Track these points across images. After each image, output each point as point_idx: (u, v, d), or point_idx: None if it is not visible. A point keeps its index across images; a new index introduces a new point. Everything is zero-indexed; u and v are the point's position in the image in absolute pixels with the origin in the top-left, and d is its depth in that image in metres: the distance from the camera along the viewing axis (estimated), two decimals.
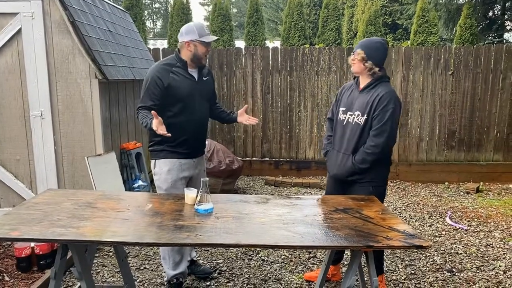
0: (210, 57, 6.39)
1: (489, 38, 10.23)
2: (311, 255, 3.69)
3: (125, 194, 3.27)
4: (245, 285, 3.17)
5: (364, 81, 2.82)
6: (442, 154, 6.30)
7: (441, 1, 10.47)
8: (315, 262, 3.57)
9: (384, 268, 3.26)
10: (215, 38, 2.87)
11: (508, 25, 10.88)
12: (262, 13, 9.59)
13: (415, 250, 3.72)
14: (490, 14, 10.81)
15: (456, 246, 3.92)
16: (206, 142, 3.39)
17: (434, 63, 6.12)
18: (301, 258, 3.63)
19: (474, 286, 3.20)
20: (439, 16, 10.29)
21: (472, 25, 8.26)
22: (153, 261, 3.54)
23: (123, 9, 6.13)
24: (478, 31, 8.84)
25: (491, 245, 3.95)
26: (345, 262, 3.46)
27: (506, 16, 10.53)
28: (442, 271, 3.43)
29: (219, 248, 3.67)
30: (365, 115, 2.73)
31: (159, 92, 2.76)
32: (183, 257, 2.96)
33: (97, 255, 3.60)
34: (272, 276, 3.32)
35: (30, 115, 3.95)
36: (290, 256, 3.68)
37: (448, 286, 3.19)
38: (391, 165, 2.99)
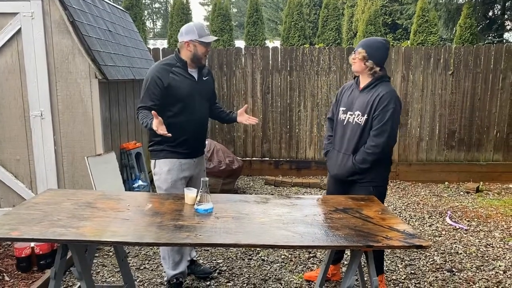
0: (210, 57, 6.39)
1: (489, 38, 10.23)
2: (311, 255, 3.69)
3: (125, 194, 3.28)
4: (245, 285, 3.17)
5: (364, 81, 2.82)
6: (442, 154, 6.30)
7: (441, 1, 10.47)
8: (315, 262, 3.57)
9: (384, 268, 3.26)
10: (214, 38, 2.86)
11: (508, 25, 10.88)
12: (262, 13, 9.59)
13: (415, 250, 3.72)
14: (490, 14, 10.81)
15: (456, 246, 3.92)
16: (206, 142, 3.39)
17: (434, 63, 6.12)
18: (301, 258, 3.63)
19: (474, 286, 3.20)
20: (439, 16, 10.29)
21: (472, 25, 8.26)
22: (153, 261, 3.54)
23: (123, 9, 6.13)
24: (478, 31, 8.84)
25: (491, 245, 3.95)
26: (345, 262, 3.46)
27: (506, 16, 10.53)
28: (442, 270, 3.44)
29: (219, 248, 3.67)
30: (366, 115, 2.73)
31: (159, 92, 2.76)
32: (183, 257, 2.96)
33: (97, 255, 3.60)
34: (272, 276, 3.32)
35: (30, 115, 3.95)
36: (290, 256, 3.68)
37: (448, 286, 3.19)
38: (392, 164, 2.99)
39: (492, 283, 3.24)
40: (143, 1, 26.49)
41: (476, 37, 8.34)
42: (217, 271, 3.38)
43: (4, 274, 3.21)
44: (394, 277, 3.31)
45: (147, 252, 3.71)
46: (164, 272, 3.11)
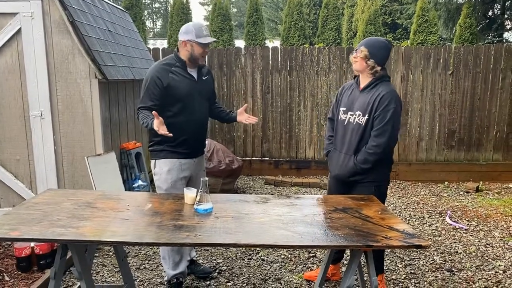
0: (209, 56, 6.39)
1: (489, 37, 10.23)
2: (311, 255, 3.69)
3: (125, 194, 3.28)
4: (245, 284, 3.18)
5: (364, 81, 2.82)
6: (442, 154, 6.30)
7: (440, 1, 10.48)
8: (314, 262, 3.57)
9: (384, 268, 3.26)
10: (212, 40, 2.83)
11: (508, 24, 10.89)
12: (262, 12, 9.60)
13: (414, 249, 3.72)
14: (490, 13, 10.81)
15: (455, 246, 3.92)
16: (206, 142, 3.39)
17: (433, 62, 6.12)
18: (300, 258, 3.64)
19: (473, 286, 3.20)
20: (439, 16, 10.29)
21: (471, 25, 8.27)
22: (153, 261, 3.54)
23: (122, 9, 6.13)
24: (477, 30, 8.84)
25: (490, 245, 3.95)
26: (345, 262, 3.46)
27: (505, 16, 10.53)
28: (441, 270, 3.44)
29: (218, 247, 3.67)
30: (366, 115, 2.72)
31: (159, 92, 2.76)
32: (182, 257, 2.97)
33: (97, 254, 3.60)
34: (272, 275, 3.32)
35: (30, 115, 3.95)
36: (290, 255, 3.68)
37: (448, 286, 3.20)
38: (392, 164, 2.99)
39: (491, 282, 3.24)
40: (143, 1, 26.48)
41: (476, 37, 8.34)
42: (217, 271, 3.38)
43: (4, 274, 3.21)
44: (394, 277, 3.31)
45: (147, 252, 3.71)
46: (164, 272, 3.11)
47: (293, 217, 2.26)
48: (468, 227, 4.38)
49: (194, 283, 3.18)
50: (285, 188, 5.90)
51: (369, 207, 2.45)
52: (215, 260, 3.58)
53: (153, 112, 2.58)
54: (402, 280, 3.26)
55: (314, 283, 2.95)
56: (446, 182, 6.09)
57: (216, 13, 9.00)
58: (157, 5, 37.99)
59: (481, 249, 3.86)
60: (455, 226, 4.41)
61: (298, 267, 3.47)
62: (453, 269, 3.46)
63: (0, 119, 3.98)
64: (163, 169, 2.88)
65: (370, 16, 9.50)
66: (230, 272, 3.37)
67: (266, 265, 3.49)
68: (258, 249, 3.72)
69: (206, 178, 2.34)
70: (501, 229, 4.34)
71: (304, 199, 2.67)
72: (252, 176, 6.44)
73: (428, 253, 3.74)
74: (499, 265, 3.53)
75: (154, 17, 38.17)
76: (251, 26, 9.20)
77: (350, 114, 2.83)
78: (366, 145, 2.74)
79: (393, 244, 1.95)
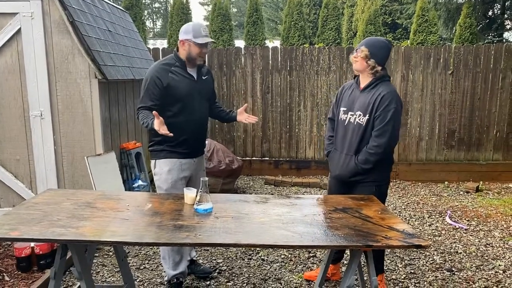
0: (209, 56, 6.39)
1: (489, 37, 10.23)
2: (311, 255, 3.69)
3: (125, 194, 3.28)
4: (245, 284, 3.18)
5: (365, 81, 2.81)
6: (442, 154, 6.30)
7: (440, 1, 10.48)
8: (314, 262, 3.57)
9: (384, 267, 3.26)
10: (208, 40, 2.80)
11: (508, 24, 10.89)
12: (261, 12, 9.60)
13: (414, 249, 3.72)
14: (490, 13, 10.82)
15: (455, 246, 3.92)
16: (206, 142, 3.39)
17: (433, 62, 6.12)
18: (300, 258, 3.64)
19: (473, 285, 3.20)
20: (439, 16, 10.30)
21: (471, 25, 8.27)
22: (153, 261, 3.54)
23: (122, 9, 6.13)
24: (477, 30, 8.84)
25: (490, 245, 3.95)
26: (345, 262, 3.46)
27: (505, 16, 10.53)
28: (441, 270, 3.44)
29: (218, 247, 3.67)
30: (367, 115, 2.72)
31: (159, 92, 2.76)
32: (183, 257, 2.97)
33: (97, 254, 3.60)
34: (272, 275, 3.32)
35: (30, 115, 3.95)
36: (290, 255, 3.68)
37: (448, 285, 3.20)
38: (393, 164, 2.99)
39: (491, 282, 3.24)
40: (143, 1, 26.48)
41: (476, 37, 8.34)
42: (217, 270, 3.38)
43: (4, 274, 3.21)
44: (394, 277, 3.31)
45: (147, 252, 3.71)
46: (164, 272, 3.11)
47: (293, 217, 2.26)
48: (468, 227, 4.38)
49: (194, 283, 3.18)
50: (285, 188, 5.90)
51: (369, 207, 2.45)
52: (215, 260, 3.58)
53: (154, 112, 2.58)
54: (402, 280, 3.26)
55: (314, 283, 2.96)
56: (446, 182, 6.09)
57: (216, 13, 9.00)
58: (157, 5, 37.99)
59: (481, 249, 3.86)
60: (455, 226, 4.41)
61: (298, 267, 3.47)
62: (453, 269, 3.46)
63: (0, 119, 3.98)
64: (163, 169, 2.88)
65: (370, 16, 9.50)
66: (230, 272, 3.37)
67: (266, 265, 3.49)
68: (258, 249, 3.72)
69: (206, 178, 2.34)
70: (501, 229, 4.34)
71: (304, 199, 2.67)
72: (252, 176, 6.44)
73: (428, 253, 3.74)
74: (499, 265, 3.53)
75: (154, 17, 38.17)
76: (251, 26, 9.21)
77: (351, 114, 2.83)
78: (367, 145, 2.74)
79: (393, 244, 1.95)
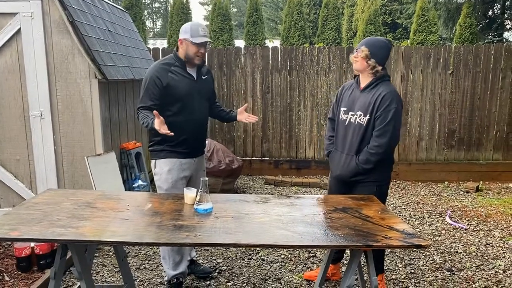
0: (209, 56, 6.39)
1: (489, 37, 10.23)
2: (311, 255, 3.69)
3: (125, 194, 3.28)
4: (245, 284, 3.18)
5: (365, 80, 2.81)
6: (442, 153, 6.30)
7: (440, 0, 10.48)
8: (314, 262, 3.57)
9: (384, 267, 3.26)
10: (205, 40, 2.78)
11: (508, 24, 10.88)
12: (261, 12, 9.60)
13: (414, 249, 3.72)
14: (490, 13, 10.81)
15: (455, 245, 3.92)
16: (206, 142, 3.39)
17: (433, 62, 6.12)
18: (300, 258, 3.64)
19: (473, 285, 3.20)
20: (439, 15, 10.29)
21: (471, 24, 8.26)
22: (153, 261, 3.54)
23: (122, 8, 6.13)
24: (477, 30, 8.84)
25: (490, 244, 3.95)
26: (345, 262, 3.46)
27: (505, 15, 10.53)
28: (441, 270, 3.44)
29: (218, 247, 3.67)
30: (368, 115, 2.72)
31: (158, 91, 2.76)
32: (183, 257, 2.97)
33: (97, 254, 3.60)
34: (272, 275, 3.32)
35: (30, 115, 3.95)
36: (290, 255, 3.68)
37: (448, 285, 3.20)
38: (393, 164, 2.98)
39: (491, 282, 3.24)
40: (143, 1, 26.49)
41: (476, 37, 8.34)
42: (217, 270, 3.38)
43: (4, 274, 3.21)
44: (394, 277, 3.31)
45: (147, 252, 3.71)
46: (164, 272, 3.11)
47: (293, 217, 2.26)
48: (468, 227, 4.38)
49: (194, 283, 3.18)
50: (285, 188, 5.90)
51: (369, 207, 2.45)
52: (215, 260, 3.58)
53: (154, 111, 2.58)
54: (402, 280, 3.26)
55: (314, 283, 2.96)
56: (446, 182, 6.09)
57: (216, 13, 9.00)
58: (157, 5, 37.98)
59: (481, 248, 3.86)
60: (455, 226, 4.41)
61: (298, 267, 3.47)
62: (453, 268, 3.46)
63: (0, 119, 3.98)
64: (164, 169, 2.88)
65: (370, 16, 9.50)
66: (230, 272, 3.37)
67: (266, 265, 3.49)
68: (258, 249, 3.72)
69: (206, 178, 2.34)
70: (501, 229, 4.34)
71: (304, 199, 2.67)
72: (252, 176, 6.44)
73: (428, 253, 3.74)
74: (499, 265, 3.53)
75: (154, 17, 38.16)
76: (251, 26, 9.21)
77: (351, 114, 2.82)
78: (367, 145, 2.74)
79: (393, 244, 1.95)
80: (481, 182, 6.01)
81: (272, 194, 5.49)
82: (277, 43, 9.58)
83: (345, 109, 2.88)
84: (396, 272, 3.39)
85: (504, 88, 6.08)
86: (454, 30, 10.06)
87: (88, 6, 4.41)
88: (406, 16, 14.84)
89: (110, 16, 5.06)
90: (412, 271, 3.41)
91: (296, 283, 3.21)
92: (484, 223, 4.52)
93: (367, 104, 2.73)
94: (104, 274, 3.31)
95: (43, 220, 2.09)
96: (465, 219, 4.64)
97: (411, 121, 6.26)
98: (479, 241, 4.04)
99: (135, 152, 4.88)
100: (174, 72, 2.81)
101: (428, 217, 4.69)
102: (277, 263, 3.53)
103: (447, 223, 4.51)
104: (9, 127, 3.99)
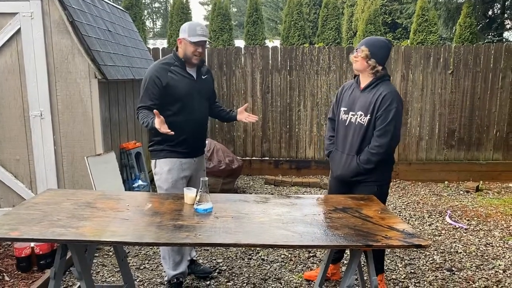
0: (209, 56, 6.39)
1: (489, 37, 10.23)
2: (311, 254, 3.69)
3: (125, 194, 3.28)
4: (245, 284, 3.18)
5: (365, 80, 2.81)
6: (441, 153, 6.30)
7: (440, 0, 10.47)
8: (314, 261, 3.57)
9: (384, 267, 3.26)
10: (201, 39, 2.76)
11: (508, 24, 10.88)
12: (261, 12, 9.60)
13: (414, 249, 3.72)
14: (490, 13, 10.81)
15: (455, 245, 3.92)
16: (206, 142, 3.39)
17: (433, 62, 6.12)
18: (300, 257, 3.64)
19: (473, 285, 3.20)
20: (439, 15, 10.29)
21: (471, 24, 8.26)
22: (153, 261, 3.54)
23: (122, 8, 6.13)
24: (477, 30, 8.84)
25: (490, 244, 3.95)
26: (345, 261, 3.46)
27: (505, 15, 10.53)
28: (441, 270, 3.44)
29: (218, 247, 3.67)
30: (368, 115, 2.72)
31: (158, 91, 2.76)
32: (183, 257, 2.96)
33: (97, 254, 3.60)
34: (272, 275, 3.32)
35: (30, 115, 3.95)
36: (290, 255, 3.68)
37: (448, 285, 3.20)
38: (394, 163, 2.98)
39: (491, 282, 3.24)
40: (143, 1, 26.48)
41: (475, 36, 8.34)
42: (217, 270, 3.38)
43: (4, 274, 3.21)
44: (394, 276, 3.31)
45: (147, 251, 3.71)
46: (164, 272, 3.11)
47: (293, 217, 2.26)
48: (468, 227, 4.38)
49: (194, 283, 3.18)
50: (285, 188, 5.90)
51: (369, 206, 2.45)
52: (215, 260, 3.58)
53: (154, 110, 2.58)
54: (402, 280, 3.26)
55: (314, 282, 2.95)
56: (446, 182, 6.09)
57: (216, 12, 9.00)
58: (157, 4, 37.97)
59: (481, 248, 3.86)
60: (455, 226, 4.41)
61: (298, 267, 3.47)
62: (453, 268, 3.46)
63: (0, 119, 3.98)
64: (164, 169, 2.88)
65: (370, 16, 9.50)
66: (230, 272, 3.37)
67: (266, 265, 3.49)
68: (258, 249, 3.72)
69: (206, 178, 2.34)
70: (501, 229, 4.34)
71: (304, 199, 2.67)
72: (252, 176, 6.44)
73: (428, 253, 3.74)
74: (499, 265, 3.53)
75: (154, 17, 38.15)
76: (251, 25, 9.20)
77: (352, 114, 2.82)
78: (368, 145, 2.74)
79: (393, 243, 1.95)
80: (481, 182, 6.01)
81: (272, 194, 5.49)
82: (277, 43, 9.58)
83: (346, 109, 2.88)
84: (396, 272, 3.39)
85: (504, 88, 6.08)
86: (454, 30, 10.06)
87: (88, 6, 4.41)
88: (406, 16, 14.84)
89: (110, 16, 5.06)
90: (412, 271, 3.41)
91: (296, 283, 3.21)
92: (484, 223, 4.52)
93: (367, 104, 2.73)
94: (104, 274, 3.31)
95: (43, 220, 2.09)
96: (465, 219, 4.64)
97: (411, 121, 6.26)
98: (479, 241, 4.04)
99: (135, 152, 4.88)
100: (173, 72, 2.81)
101: (428, 217, 4.69)
102: (277, 263, 3.54)
103: (447, 223, 4.51)
104: (9, 127, 3.99)
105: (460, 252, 3.77)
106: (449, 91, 6.15)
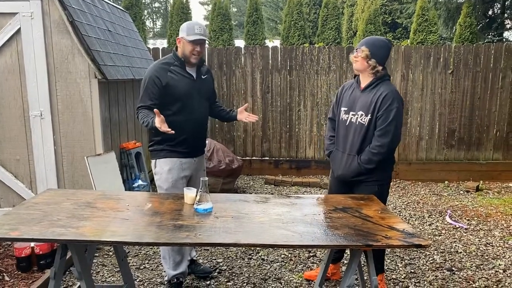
0: (209, 56, 6.39)
1: (489, 36, 10.22)
2: (311, 254, 3.69)
3: (125, 193, 3.28)
4: (245, 284, 3.18)
5: (365, 80, 2.81)
6: (442, 153, 6.30)
7: (440, 0, 10.47)
8: (315, 261, 3.57)
9: (384, 267, 3.26)
10: (198, 37, 2.75)
11: (508, 23, 10.88)
12: (261, 12, 9.60)
13: (414, 249, 3.72)
14: (490, 12, 10.81)
15: (455, 245, 3.92)
16: (206, 142, 3.39)
17: (433, 62, 6.11)
18: (301, 257, 3.64)
19: (473, 285, 3.20)
20: (439, 15, 10.29)
21: (471, 24, 8.26)
22: (153, 261, 3.54)
23: (122, 8, 6.13)
24: (477, 29, 8.83)
25: (490, 244, 3.95)
26: (345, 261, 3.46)
27: (506, 15, 10.53)
28: (441, 270, 3.44)
29: (219, 247, 3.67)
30: (369, 115, 2.72)
31: (158, 91, 2.76)
32: (183, 257, 2.96)
33: (97, 254, 3.60)
34: (272, 275, 3.32)
35: (30, 115, 3.95)
36: (290, 255, 3.68)
37: (448, 285, 3.20)
38: (394, 163, 2.98)
39: (492, 282, 3.24)
40: (143, 1, 26.48)
41: (476, 36, 8.33)
42: (217, 270, 3.38)
43: (4, 274, 3.21)
44: (394, 276, 3.31)
45: (147, 251, 3.71)
46: (164, 271, 3.11)
47: (293, 217, 2.26)
48: (468, 227, 4.38)
49: (194, 283, 3.18)
50: (285, 187, 5.90)
51: (369, 206, 2.45)
52: (215, 259, 3.58)
53: (155, 110, 2.58)
54: (402, 280, 3.26)
55: (314, 282, 2.96)
56: (446, 182, 6.09)
57: (216, 12, 8.99)
58: (157, 4, 37.97)
59: (481, 248, 3.86)
60: (455, 226, 4.41)
61: (298, 267, 3.47)
62: (453, 268, 3.46)
63: (0, 119, 3.98)
64: (164, 169, 2.88)
65: (370, 16, 9.50)
66: (230, 271, 3.37)
67: (266, 265, 3.49)
68: (258, 248, 3.72)
69: (206, 178, 2.34)
70: (501, 228, 4.34)
71: (304, 198, 2.67)
72: (252, 176, 6.44)
73: (428, 253, 3.74)
74: (499, 264, 3.52)
75: (154, 17, 38.15)
76: (251, 25, 9.20)
77: (352, 114, 2.82)
78: (369, 145, 2.74)
79: (393, 243, 1.95)
80: (481, 181, 6.01)
81: (272, 194, 5.49)
82: (277, 42, 9.58)
83: (346, 109, 2.88)
84: (396, 272, 3.38)
85: (504, 87, 6.08)
86: (454, 30, 10.06)
87: (88, 6, 4.41)
88: (406, 16, 14.83)
89: (110, 16, 5.06)
90: (412, 270, 3.41)
91: (296, 282, 3.21)
92: (484, 222, 4.52)
93: (368, 103, 2.73)
94: (104, 274, 3.31)
95: (43, 220, 2.09)
96: (465, 218, 4.64)
97: (411, 121, 6.26)
98: (479, 240, 4.04)
99: (135, 152, 4.88)
100: (173, 72, 2.81)
101: (428, 217, 4.69)
102: (277, 262, 3.53)
103: (447, 222, 4.51)
104: (9, 127, 3.99)
105: (460, 252, 3.77)
106: (449, 91, 6.15)
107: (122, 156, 4.73)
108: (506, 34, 10.88)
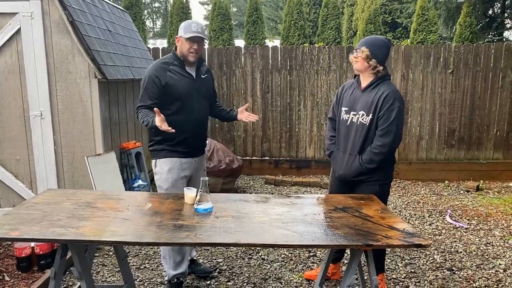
0: (209, 56, 6.39)
1: (489, 36, 10.22)
2: (311, 254, 3.69)
3: (125, 193, 3.28)
4: (245, 284, 3.18)
5: (366, 80, 2.81)
6: (442, 153, 6.30)
7: (440, 0, 10.47)
8: (315, 261, 3.57)
9: (384, 267, 3.26)
10: (195, 35, 2.75)
11: (508, 23, 10.88)
12: (261, 12, 9.59)
13: (414, 248, 3.72)
14: (490, 12, 10.80)
15: (456, 245, 3.92)
16: (206, 141, 3.39)
17: (433, 61, 6.11)
18: (301, 257, 3.63)
19: (474, 285, 3.20)
20: (439, 15, 10.29)
21: (472, 24, 8.26)
22: (153, 260, 3.54)
23: (122, 8, 6.12)
24: (478, 29, 8.83)
25: (491, 244, 3.95)
26: (345, 261, 3.46)
27: (506, 14, 10.52)
28: (442, 269, 3.44)
29: (219, 247, 3.67)
30: (370, 114, 2.71)
31: (157, 91, 2.76)
32: (184, 257, 2.96)
33: (97, 254, 3.60)
34: (272, 275, 3.32)
35: (30, 115, 3.95)
36: (290, 255, 3.68)
37: (448, 285, 3.20)
38: (395, 163, 2.98)
39: (492, 281, 3.24)
40: (143, 1, 26.49)
41: (476, 36, 8.33)
42: (217, 270, 3.38)
43: (4, 274, 3.21)
44: (394, 276, 3.31)
45: (147, 251, 3.71)
46: (164, 271, 3.11)
47: (293, 217, 2.26)
48: (468, 226, 4.38)
49: (194, 283, 3.18)
50: (285, 187, 5.90)
51: (369, 206, 2.45)
52: (215, 259, 3.58)
53: (155, 109, 2.58)
54: (403, 279, 3.26)
55: (315, 282, 2.95)
56: (446, 181, 6.09)
57: (216, 12, 8.99)
58: (157, 4, 37.97)
59: (481, 248, 3.86)
60: (456, 225, 4.41)
61: (298, 267, 3.47)
62: (454, 268, 3.45)
63: (0, 119, 3.98)
64: (164, 169, 2.88)
65: (370, 15, 9.49)
66: (230, 271, 3.37)
67: (266, 265, 3.49)
68: (258, 248, 3.72)
69: (206, 178, 2.34)
70: (502, 228, 4.34)
71: (304, 198, 2.67)
72: (252, 176, 6.44)
73: (428, 252, 3.74)
74: (500, 264, 3.52)
75: (154, 17, 38.15)
76: (251, 25, 9.20)
77: (353, 114, 2.81)
78: (371, 145, 2.74)
79: (393, 243, 1.95)
80: (481, 181, 6.01)
81: (272, 193, 5.49)
82: (277, 42, 9.57)
83: (346, 109, 2.87)
84: (396, 272, 3.38)
85: (504, 87, 6.08)
86: (454, 29, 10.05)
87: (88, 6, 4.41)
88: (406, 15, 14.82)
89: (110, 16, 5.06)
90: (413, 270, 3.41)
91: (296, 282, 3.21)
92: (485, 222, 4.51)
93: (369, 103, 2.72)
94: (104, 274, 3.31)
95: (43, 220, 2.09)
96: (465, 218, 4.64)
97: (411, 121, 6.26)
98: (480, 240, 4.04)
99: (135, 152, 4.88)
100: (173, 71, 2.81)
101: (429, 217, 4.68)
102: (277, 262, 3.53)
103: (448, 222, 4.51)
104: (9, 127, 3.99)
105: (461, 252, 3.77)
106: (449, 90, 6.15)
107: (122, 156, 4.73)
108: (506, 33, 10.88)
